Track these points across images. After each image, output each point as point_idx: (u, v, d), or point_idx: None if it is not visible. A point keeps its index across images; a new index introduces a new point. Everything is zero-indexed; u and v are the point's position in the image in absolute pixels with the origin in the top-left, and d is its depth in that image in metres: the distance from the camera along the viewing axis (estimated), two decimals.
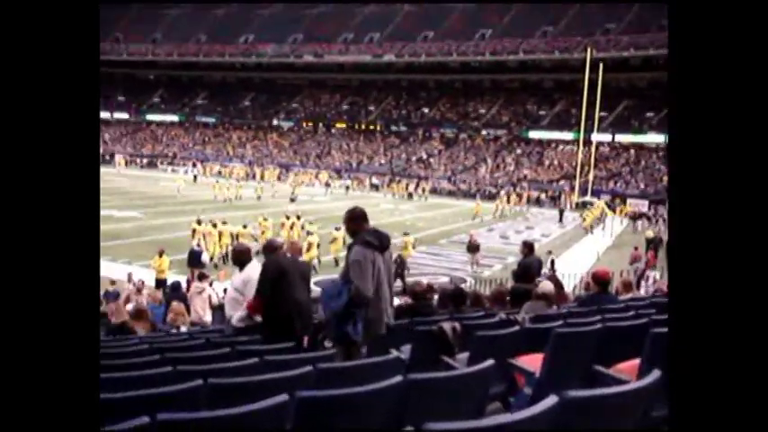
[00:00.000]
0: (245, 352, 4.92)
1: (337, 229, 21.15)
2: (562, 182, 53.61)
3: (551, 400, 2.16)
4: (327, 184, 50.57)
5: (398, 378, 3.01)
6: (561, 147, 60.32)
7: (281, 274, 5.96)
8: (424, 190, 50.09)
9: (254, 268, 6.50)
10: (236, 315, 6.38)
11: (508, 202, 44.20)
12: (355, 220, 5.24)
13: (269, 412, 2.68)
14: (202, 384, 3.43)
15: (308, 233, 22.38)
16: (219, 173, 57.50)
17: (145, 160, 67.90)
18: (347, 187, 50.10)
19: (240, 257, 6.77)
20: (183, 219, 28.05)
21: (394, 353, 4.80)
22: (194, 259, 18.49)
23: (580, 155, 52.98)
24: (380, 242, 5.12)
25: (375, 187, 54.78)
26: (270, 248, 6.53)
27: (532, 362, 4.40)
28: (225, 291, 11.05)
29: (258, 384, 3.57)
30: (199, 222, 22.83)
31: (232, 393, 3.50)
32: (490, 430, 2.01)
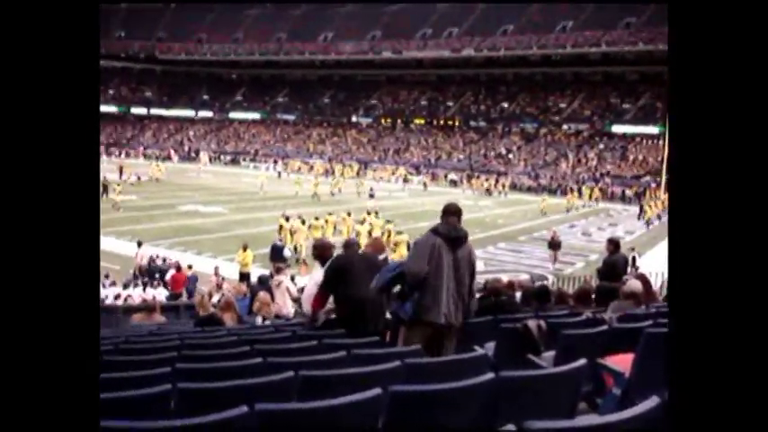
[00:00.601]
0: (332, 345, 5.00)
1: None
2: (647, 177, 51.99)
3: (652, 401, 2.11)
4: (405, 180, 50.67)
5: (489, 375, 3.00)
6: (646, 141, 58.47)
7: (344, 270, 5.97)
8: (503, 186, 49.52)
9: None
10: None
11: (579, 196, 43.26)
12: (443, 213, 5.29)
13: (363, 405, 2.72)
14: (294, 376, 3.51)
15: (399, 232, 22.38)
16: (299, 169, 58.50)
17: (228, 157, 69.71)
18: (425, 183, 50.01)
19: (321, 253, 6.82)
20: (265, 214, 28.71)
21: (478, 350, 4.79)
22: (276, 254, 18.89)
23: (666, 149, 51.21)
24: (450, 234, 5.13)
25: (453, 183, 54.53)
26: (346, 245, 6.61)
27: (621, 362, 4.30)
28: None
29: (348, 377, 3.62)
30: (287, 219, 23.27)
31: (322, 386, 3.56)
32: (595, 429, 1.98)
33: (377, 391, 2.78)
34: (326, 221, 24.21)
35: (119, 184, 34.91)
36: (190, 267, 17.41)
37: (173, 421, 2.65)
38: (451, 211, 5.28)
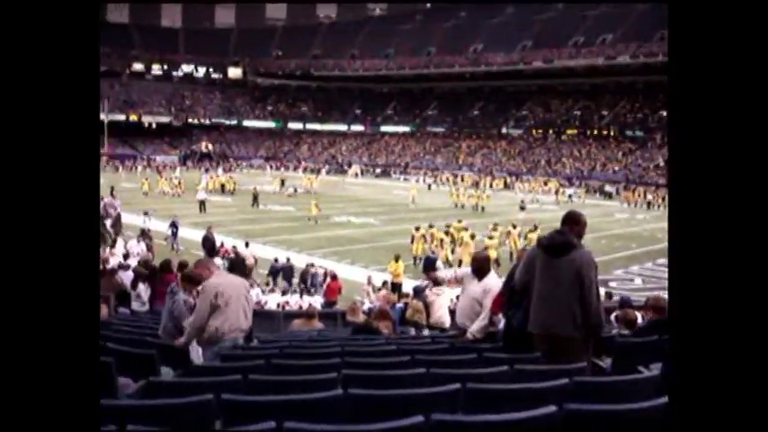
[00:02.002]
0: (493, 359, 4.93)
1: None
2: None
3: None
4: (557, 192, 49.39)
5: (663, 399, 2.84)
6: None
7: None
8: (663, 198, 46.93)
9: (494, 278, 6.48)
10: (474, 325, 6.38)
11: None
12: (560, 222, 5.16)
13: (536, 422, 2.65)
14: (460, 388, 3.49)
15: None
16: (447, 180, 58.66)
17: (378, 169, 71.25)
18: (569, 195, 48.37)
19: (480, 266, 6.77)
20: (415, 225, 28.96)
21: (644, 371, 4.55)
22: (429, 265, 18.94)
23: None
24: (548, 243, 5.04)
25: (608, 195, 52.47)
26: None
27: None
28: (457, 298, 11.24)
29: (515, 393, 3.56)
30: (417, 228, 23.43)
31: (489, 400, 3.52)
32: None
33: (551, 408, 2.70)
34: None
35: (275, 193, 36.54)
36: (312, 266, 17.90)
37: (346, 426, 2.71)
38: (564, 220, 5.13)
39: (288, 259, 20.79)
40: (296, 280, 19.60)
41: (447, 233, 23.39)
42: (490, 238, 22.99)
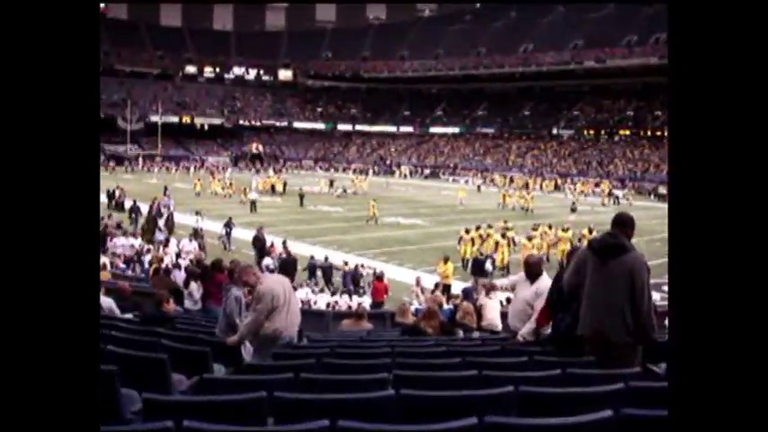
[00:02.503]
0: (544, 362, 4.87)
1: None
2: None
3: None
4: (610, 194, 48.50)
5: None
6: None
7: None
8: None
9: (546, 281, 6.41)
10: (525, 328, 6.32)
11: None
12: (613, 224, 5.04)
13: (593, 426, 2.61)
14: (513, 391, 3.45)
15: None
16: (493, 181, 58.25)
17: (427, 171, 71.16)
18: (616, 197, 47.33)
19: (532, 269, 6.71)
20: (464, 227, 28.82)
21: None
22: (478, 267, 18.87)
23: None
24: (600, 246, 4.94)
25: (661, 197, 51.31)
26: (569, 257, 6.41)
27: None
28: (508, 300, 11.15)
29: (569, 396, 3.50)
30: (467, 231, 23.30)
31: (542, 403, 3.48)
32: None
33: (607, 413, 2.65)
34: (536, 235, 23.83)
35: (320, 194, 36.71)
36: (346, 264, 17.95)
37: (399, 426, 2.71)
38: (614, 222, 5.01)
39: (326, 258, 20.95)
40: (338, 279, 19.77)
41: (503, 235, 23.19)
42: (529, 239, 22.86)
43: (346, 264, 20.07)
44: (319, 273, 20.09)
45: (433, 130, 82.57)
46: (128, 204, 30.52)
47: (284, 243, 21.66)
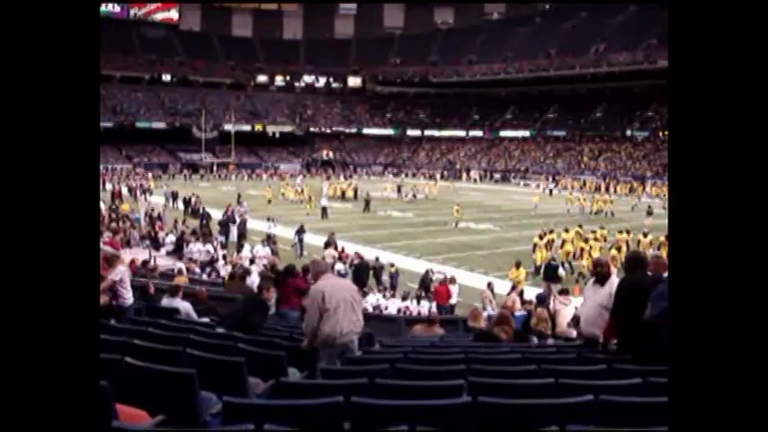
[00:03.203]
0: (623, 371, 4.73)
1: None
2: None
3: None
4: None
5: None
6: None
7: (631, 292, 5.60)
8: None
9: (617, 280, 6.23)
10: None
11: None
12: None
13: None
14: (593, 400, 3.36)
15: None
16: (564, 185, 57.24)
17: (497, 175, 70.51)
18: None
19: (601, 271, 6.52)
20: (536, 232, 28.42)
21: None
22: (550, 273, 18.56)
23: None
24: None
25: None
26: (631, 264, 6.18)
27: None
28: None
29: (651, 406, 3.39)
30: (541, 237, 22.98)
31: (622, 412, 3.38)
32: None
33: None
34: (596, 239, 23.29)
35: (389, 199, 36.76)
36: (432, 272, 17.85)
37: None
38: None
39: (377, 258, 21.07)
40: (386, 277, 19.92)
41: (587, 240, 22.78)
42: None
43: (392, 265, 20.13)
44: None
45: (503, 133, 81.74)
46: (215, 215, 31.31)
47: (326, 245, 21.96)
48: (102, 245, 10.39)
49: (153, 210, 31.65)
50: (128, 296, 8.07)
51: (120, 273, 7.92)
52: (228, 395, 3.56)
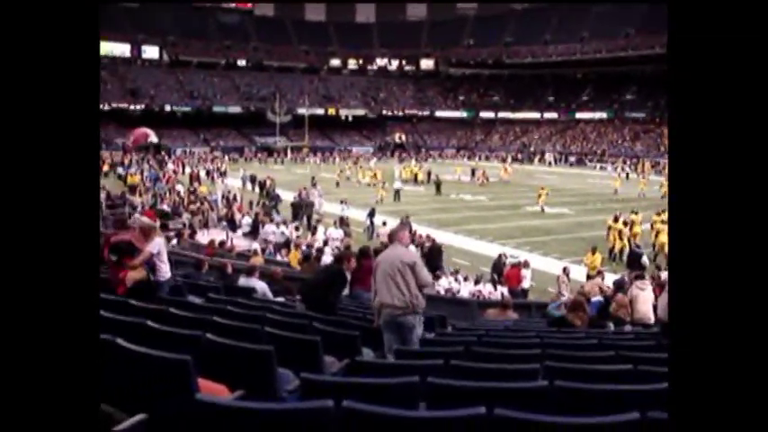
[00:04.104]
0: None
1: None
2: None
3: None
4: None
5: None
6: None
7: None
8: None
9: None
10: None
11: None
12: None
13: None
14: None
15: None
16: (651, 169, 55.57)
17: (573, 158, 69.09)
18: None
19: None
20: (612, 215, 27.77)
21: None
22: (634, 261, 18.09)
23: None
24: None
25: None
26: None
27: None
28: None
29: None
30: (615, 219, 22.43)
31: None
32: None
33: None
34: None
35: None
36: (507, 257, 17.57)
37: (557, 417, 2.64)
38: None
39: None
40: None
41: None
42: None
43: (504, 255, 19.90)
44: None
45: (579, 115, 79.90)
46: (285, 196, 31.85)
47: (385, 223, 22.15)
48: (138, 216, 9.81)
49: (230, 192, 32.44)
50: (165, 270, 7.66)
51: (158, 245, 7.53)
52: (305, 372, 3.63)
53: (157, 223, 9.22)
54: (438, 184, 38.56)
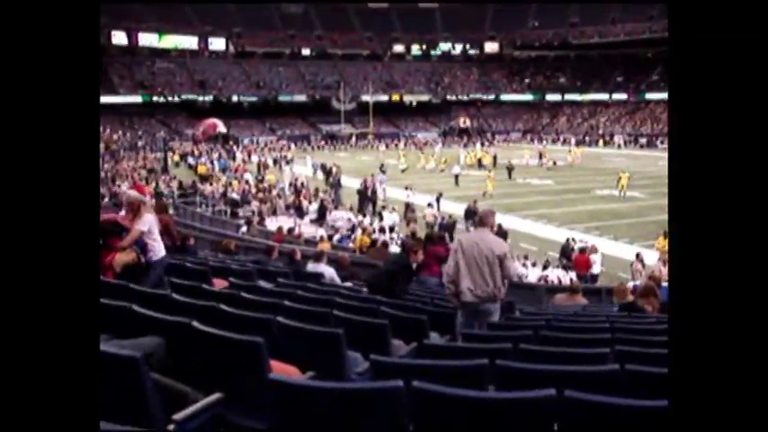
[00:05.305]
0: None
1: None
2: None
3: None
4: None
5: None
6: None
7: None
8: None
9: None
10: None
11: None
12: None
13: None
14: None
15: None
16: None
17: (643, 140, 67.26)
18: None
19: None
20: None
21: None
22: None
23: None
24: None
25: None
26: None
27: None
28: None
29: None
30: None
31: None
32: None
33: None
34: None
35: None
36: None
37: (631, 400, 2.62)
38: None
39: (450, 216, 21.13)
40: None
41: None
42: None
43: (573, 240, 19.61)
44: None
45: (649, 96, 77.52)
46: (352, 182, 32.11)
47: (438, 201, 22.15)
48: (125, 190, 8.39)
49: (297, 179, 32.89)
50: (158, 248, 6.93)
51: (148, 222, 6.79)
52: (373, 355, 3.68)
53: (147, 198, 8.12)
54: (510, 169, 38.16)
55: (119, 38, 69.74)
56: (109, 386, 3.02)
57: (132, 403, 2.89)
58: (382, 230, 20.42)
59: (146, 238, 6.72)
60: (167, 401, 2.98)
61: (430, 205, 24.17)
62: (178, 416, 2.82)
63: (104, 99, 62.63)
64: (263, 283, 7.60)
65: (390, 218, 22.39)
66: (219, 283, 7.16)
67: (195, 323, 3.73)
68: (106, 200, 22.14)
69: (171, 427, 2.77)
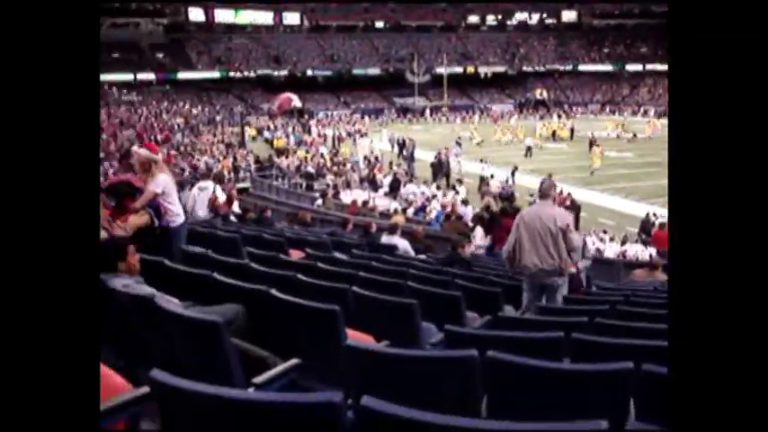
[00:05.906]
0: None
1: None
2: None
3: None
4: None
5: None
6: None
7: None
8: None
9: None
10: None
11: None
12: None
13: None
14: None
15: None
16: None
17: None
18: None
19: None
20: None
21: None
22: None
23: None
24: None
25: None
26: None
27: None
28: None
29: None
30: None
31: None
32: None
33: None
34: None
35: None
36: None
37: None
38: None
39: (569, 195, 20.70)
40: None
41: None
42: None
43: (654, 215, 19.08)
44: None
45: None
46: (426, 155, 32.05)
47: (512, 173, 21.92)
48: (136, 148, 7.65)
49: (372, 152, 33.04)
50: (175, 212, 6.41)
51: (162, 183, 6.27)
52: (448, 325, 3.71)
53: (159, 156, 7.32)
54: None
55: (195, 14, 71.16)
56: (193, 350, 3.16)
57: (215, 366, 3.02)
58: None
59: (161, 200, 6.27)
60: (247, 365, 3.09)
61: (492, 176, 24.29)
62: (257, 379, 2.93)
63: (183, 75, 64.20)
64: (338, 255, 7.72)
65: (461, 191, 22.28)
66: (296, 254, 7.32)
67: (274, 291, 3.84)
68: (186, 173, 22.81)
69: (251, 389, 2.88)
